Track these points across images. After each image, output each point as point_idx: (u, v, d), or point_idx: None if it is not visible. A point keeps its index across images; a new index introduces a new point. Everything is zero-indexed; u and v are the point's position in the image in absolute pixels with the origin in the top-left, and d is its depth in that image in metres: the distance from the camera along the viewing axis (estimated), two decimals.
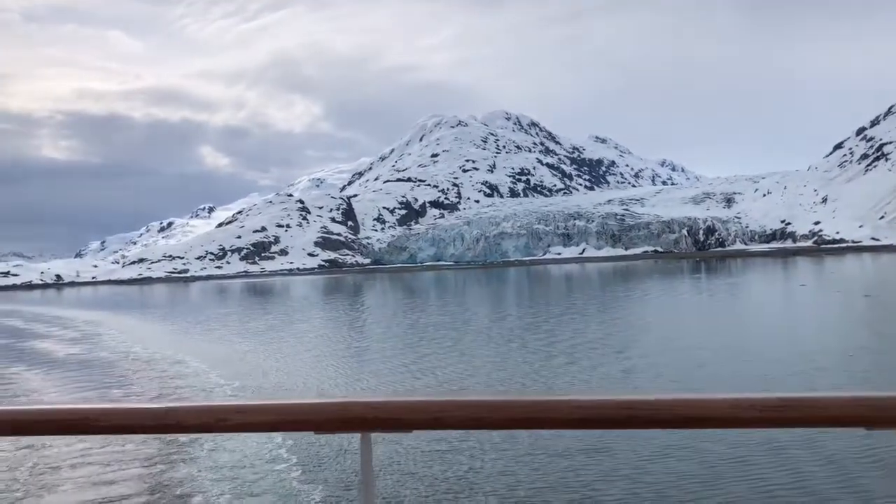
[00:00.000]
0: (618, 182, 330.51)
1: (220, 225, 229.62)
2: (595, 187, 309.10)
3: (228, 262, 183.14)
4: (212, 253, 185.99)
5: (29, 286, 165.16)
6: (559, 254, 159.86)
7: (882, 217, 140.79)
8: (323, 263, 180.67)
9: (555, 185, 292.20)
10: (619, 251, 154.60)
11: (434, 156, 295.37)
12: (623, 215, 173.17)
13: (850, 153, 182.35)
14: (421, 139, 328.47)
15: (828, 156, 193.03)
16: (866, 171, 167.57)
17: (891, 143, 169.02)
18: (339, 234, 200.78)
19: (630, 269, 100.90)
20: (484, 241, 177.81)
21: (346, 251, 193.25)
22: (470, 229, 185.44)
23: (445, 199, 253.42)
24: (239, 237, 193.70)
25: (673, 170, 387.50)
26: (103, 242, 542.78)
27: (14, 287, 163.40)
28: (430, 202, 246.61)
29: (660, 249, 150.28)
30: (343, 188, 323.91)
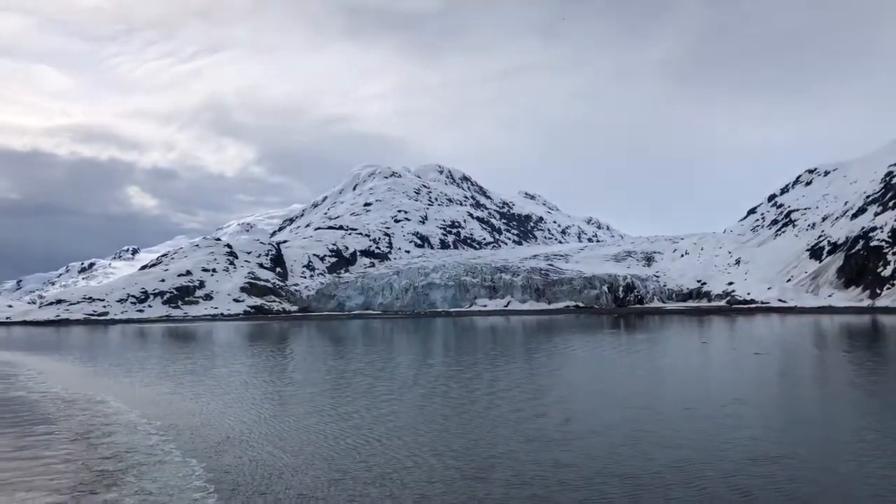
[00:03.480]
0: (545, 238, 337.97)
1: (143, 267, 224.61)
2: (523, 242, 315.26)
3: (150, 306, 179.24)
4: (133, 296, 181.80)
5: None
6: (485, 306, 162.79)
7: (789, 280, 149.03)
8: (249, 309, 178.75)
9: (484, 239, 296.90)
10: (543, 305, 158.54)
11: (367, 205, 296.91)
12: (548, 270, 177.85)
13: (762, 218, 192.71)
14: (354, 188, 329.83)
15: (742, 220, 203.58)
16: (776, 235, 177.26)
17: (797, 210, 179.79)
18: (266, 280, 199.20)
19: (552, 322, 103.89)
20: (413, 290, 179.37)
21: (274, 298, 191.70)
22: (399, 279, 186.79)
23: (377, 248, 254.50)
24: (163, 280, 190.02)
25: (599, 227, 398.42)
26: (19, 282, 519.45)
27: None
28: (360, 251, 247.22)
29: (581, 305, 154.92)
30: (273, 234, 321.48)
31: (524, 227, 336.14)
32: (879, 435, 18.61)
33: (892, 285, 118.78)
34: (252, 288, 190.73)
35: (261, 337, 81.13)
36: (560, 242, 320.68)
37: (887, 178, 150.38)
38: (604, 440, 18.11)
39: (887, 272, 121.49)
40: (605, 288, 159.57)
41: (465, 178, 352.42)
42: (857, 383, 30.78)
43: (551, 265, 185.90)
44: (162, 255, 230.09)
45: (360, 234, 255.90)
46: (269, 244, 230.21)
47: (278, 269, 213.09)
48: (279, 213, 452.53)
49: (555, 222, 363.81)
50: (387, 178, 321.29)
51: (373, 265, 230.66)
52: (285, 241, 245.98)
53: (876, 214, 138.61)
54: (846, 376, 33.33)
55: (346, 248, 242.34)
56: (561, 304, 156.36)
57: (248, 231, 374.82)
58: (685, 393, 28.17)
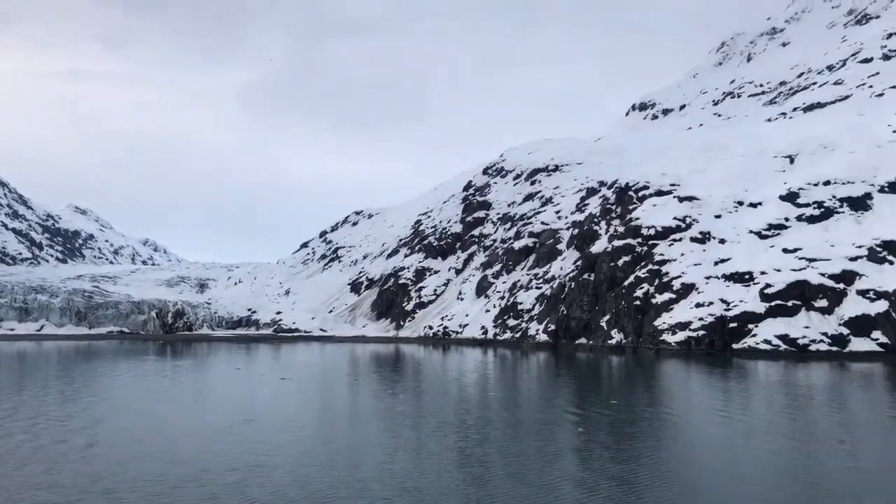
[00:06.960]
0: (95, 257, 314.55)
1: None
2: (69, 260, 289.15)
3: None
4: None
5: None
6: (13, 329, 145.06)
7: (331, 311, 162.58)
8: None
9: (20, 254, 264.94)
10: (84, 330, 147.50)
11: None
12: (92, 292, 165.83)
13: (313, 252, 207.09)
14: None
15: (295, 252, 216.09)
16: (324, 269, 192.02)
17: (344, 247, 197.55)
18: None
19: (92, 348, 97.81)
20: None
21: None
22: None
23: None
24: None
25: (155, 250, 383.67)
26: None
27: None
28: None
29: (126, 330, 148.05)
30: None
31: (71, 244, 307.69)
32: (352, 442, 22.97)
33: (413, 318, 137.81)
34: None
35: None
36: (112, 263, 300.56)
37: (416, 226, 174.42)
38: (103, 461, 19.15)
39: (410, 306, 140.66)
40: (153, 313, 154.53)
41: (2, 184, 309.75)
42: (361, 401, 36.36)
43: (97, 287, 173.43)
44: None
45: None
46: None
47: None
48: None
49: (107, 241, 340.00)
50: None
51: None
52: None
53: (406, 256, 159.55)
54: (356, 395, 38.99)
55: None
56: (104, 330, 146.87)
57: None
58: (201, 415, 30.29)
